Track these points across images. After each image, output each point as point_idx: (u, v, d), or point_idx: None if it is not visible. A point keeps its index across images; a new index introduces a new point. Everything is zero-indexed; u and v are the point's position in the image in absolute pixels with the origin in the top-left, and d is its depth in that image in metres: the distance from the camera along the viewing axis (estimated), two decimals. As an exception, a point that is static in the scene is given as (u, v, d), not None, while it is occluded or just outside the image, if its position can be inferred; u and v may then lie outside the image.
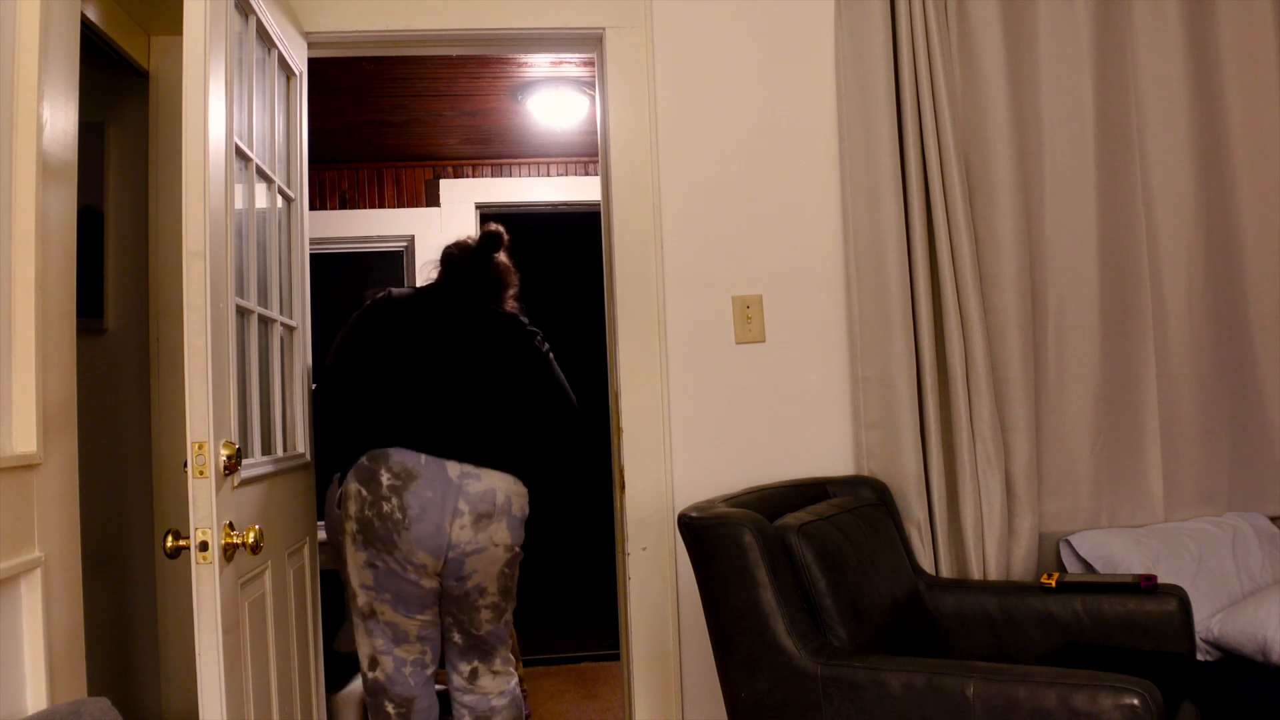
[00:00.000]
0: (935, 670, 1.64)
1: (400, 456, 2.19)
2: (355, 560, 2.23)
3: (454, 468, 2.20)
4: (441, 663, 2.45)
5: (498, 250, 2.54)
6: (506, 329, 2.44)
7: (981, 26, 2.50)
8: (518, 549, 2.34)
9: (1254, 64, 2.66)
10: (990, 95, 2.49)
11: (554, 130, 4.10)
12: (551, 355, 2.50)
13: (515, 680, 2.48)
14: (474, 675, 2.40)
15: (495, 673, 2.42)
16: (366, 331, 2.38)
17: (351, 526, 2.21)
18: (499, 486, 2.25)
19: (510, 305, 2.55)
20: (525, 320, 2.51)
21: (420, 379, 2.30)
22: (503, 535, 2.26)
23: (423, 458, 2.19)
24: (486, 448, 2.25)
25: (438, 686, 2.49)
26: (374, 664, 2.32)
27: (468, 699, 2.41)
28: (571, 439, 2.42)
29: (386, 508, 2.18)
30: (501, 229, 2.55)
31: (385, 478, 2.19)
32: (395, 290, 2.49)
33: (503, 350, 2.41)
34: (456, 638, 2.37)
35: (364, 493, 2.20)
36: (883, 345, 2.40)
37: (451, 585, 2.27)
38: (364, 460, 2.23)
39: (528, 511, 2.36)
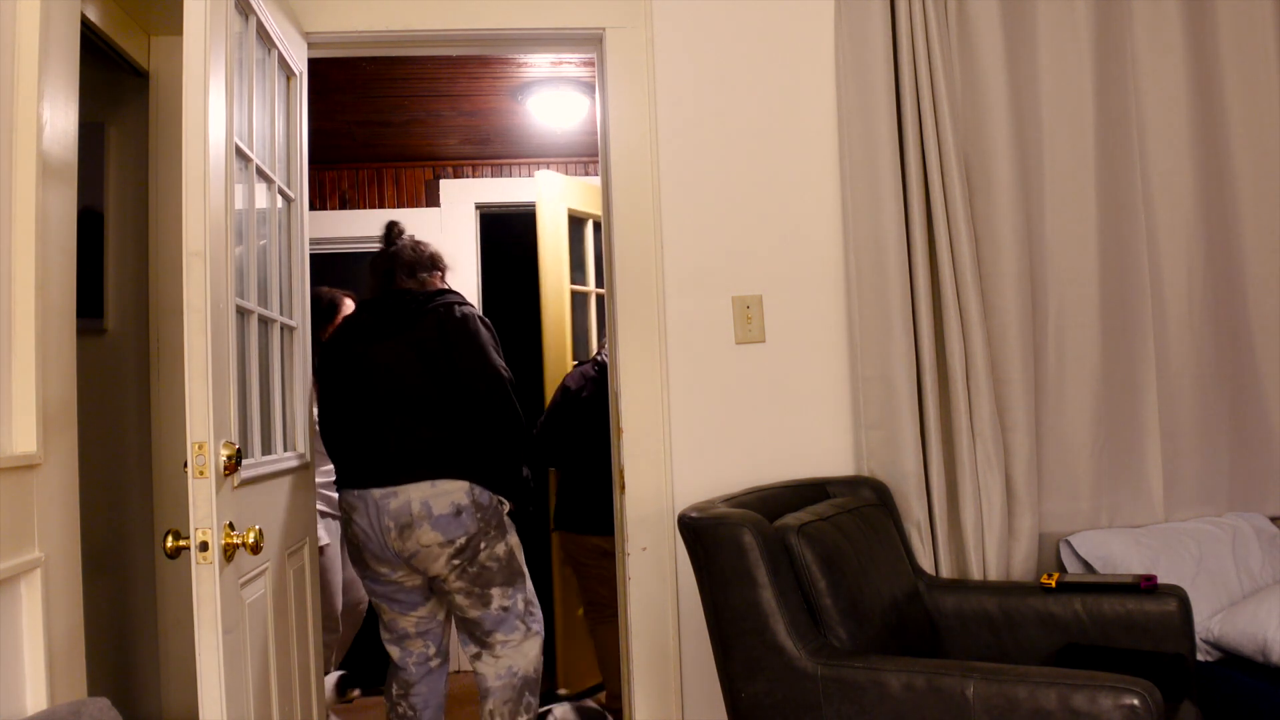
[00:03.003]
0: (935, 670, 1.64)
1: (344, 495, 2.59)
2: (358, 574, 2.69)
3: (376, 493, 2.51)
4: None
5: (394, 238, 2.76)
6: (407, 321, 2.59)
7: (981, 26, 2.50)
8: (460, 540, 2.50)
9: (1254, 64, 2.66)
10: (990, 95, 2.49)
11: (554, 130, 4.10)
12: (465, 319, 2.58)
13: (518, 664, 2.60)
14: (477, 656, 2.64)
15: (496, 657, 2.61)
16: (317, 379, 2.72)
17: (348, 550, 2.67)
18: (414, 497, 2.48)
19: (436, 281, 2.77)
20: (431, 297, 2.62)
21: (346, 420, 2.61)
22: (429, 536, 2.49)
23: (355, 492, 2.55)
24: (397, 467, 2.50)
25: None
26: (389, 651, 2.72)
27: (475, 676, 2.67)
28: (499, 410, 2.55)
29: (348, 534, 2.60)
30: (396, 220, 2.82)
31: (342, 513, 2.61)
32: (332, 333, 2.76)
33: (407, 350, 2.55)
34: (456, 623, 2.67)
35: (341, 525, 2.68)
36: (883, 345, 2.40)
37: (424, 575, 2.59)
38: (339, 500, 2.64)
39: (465, 502, 2.50)
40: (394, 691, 2.69)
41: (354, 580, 3.53)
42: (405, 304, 2.63)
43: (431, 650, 2.69)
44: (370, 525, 2.51)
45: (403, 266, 2.71)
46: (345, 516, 2.58)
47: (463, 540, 2.50)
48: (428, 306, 2.60)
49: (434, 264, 2.78)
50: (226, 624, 1.60)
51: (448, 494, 2.48)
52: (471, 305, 2.67)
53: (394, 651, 2.68)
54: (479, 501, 2.52)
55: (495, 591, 2.56)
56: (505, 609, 2.58)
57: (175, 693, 2.51)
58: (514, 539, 2.64)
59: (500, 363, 2.58)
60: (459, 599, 2.56)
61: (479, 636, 2.60)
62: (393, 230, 2.79)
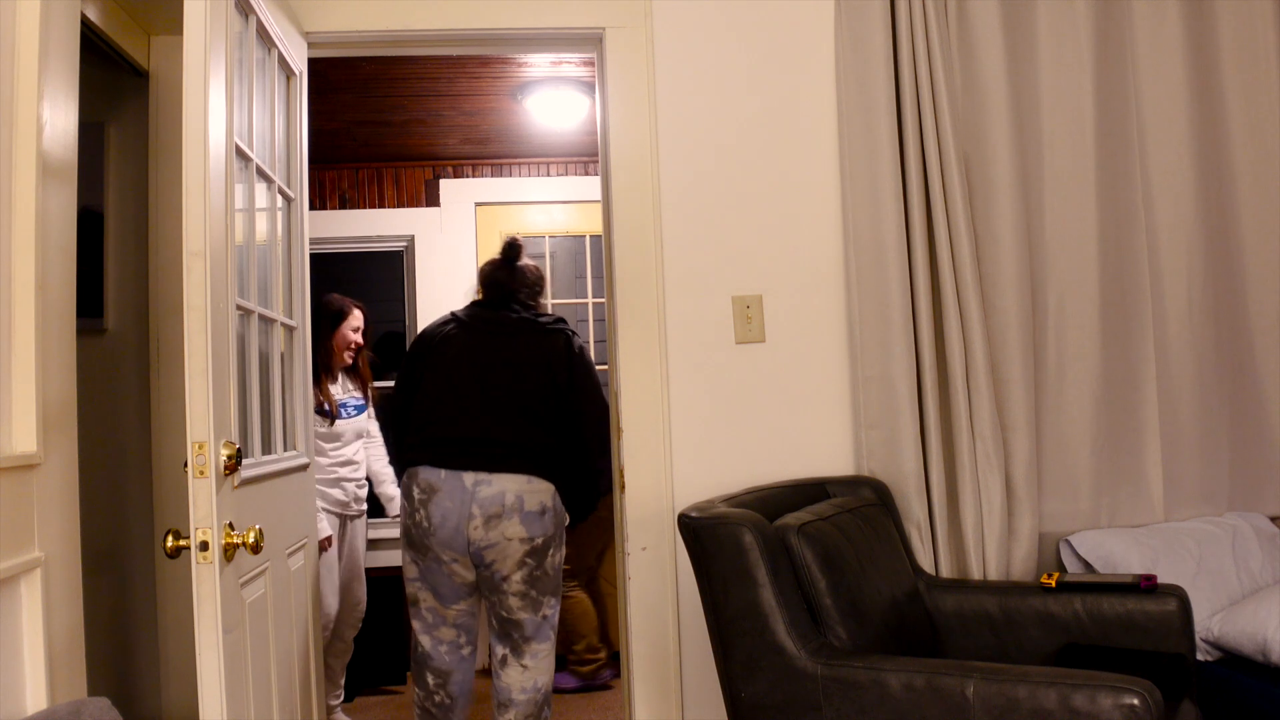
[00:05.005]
0: (935, 670, 1.64)
1: (425, 474, 2.55)
2: (405, 558, 2.65)
3: (469, 477, 2.51)
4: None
5: (518, 256, 2.84)
6: (532, 335, 2.69)
7: (981, 26, 2.50)
8: (538, 540, 2.54)
9: (1254, 64, 2.66)
10: (990, 95, 2.49)
11: (554, 130, 4.10)
12: (582, 351, 2.72)
13: (542, 679, 2.64)
14: (504, 661, 2.64)
15: (524, 667, 2.62)
16: (410, 361, 2.77)
17: (402, 531, 2.64)
18: (509, 488, 2.51)
19: (542, 304, 2.87)
20: (554, 323, 2.75)
21: (449, 404, 2.61)
22: (515, 530, 2.51)
23: (443, 473, 2.53)
24: (497, 455, 2.53)
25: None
26: (416, 641, 2.71)
27: (497, 683, 2.67)
28: (597, 434, 2.66)
29: (419, 517, 2.55)
30: (518, 237, 2.91)
31: (415, 493, 2.56)
32: (436, 321, 2.84)
33: (528, 357, 2.65)
34: (494, 620, 2.66)
35: (406, 505, 2.61)
36: (883, 345, 2.40)
37: (481, 573, 2.58)
38: (405, 478, 2.62)
39: (550, 505, 2.56)
40: (430, 681, 2.68)
41: (352, 580, 3.53)
42: (535, 315, 2.75)
43: (463, 639, 2.69)
44: (453, 509, 2.50)
45: (526, 285, 2.82)
46: (423, 497, 2.54)
47: (540, 540, 2.55)
48: (553, 328, 2.73)
49: (542, 288, 2.91)
50: (226, 624, 1.60)
51: (538, 493, 2.54)
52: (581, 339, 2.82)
53: (425, 640, 2.67)
54: (557, 508, 2.60)
55: (545, 600, 2.62)
56: (546, 619, 2.64)
57: (175, 693, 2.51)
58: (565, 552, 2.72)
59: (605, 400, 2.71)
60: (513, 600, 2.57)
61: (516, 640, 2.61)
62: (516, 246, 2.87)
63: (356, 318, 3.51)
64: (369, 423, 3.67)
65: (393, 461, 3.42)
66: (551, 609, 2.65)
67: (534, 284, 2.84)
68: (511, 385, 2.61)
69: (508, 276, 2.81)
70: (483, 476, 2.50)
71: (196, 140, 1.63)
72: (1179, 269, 2.60)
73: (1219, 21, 2.66)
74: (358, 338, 3.52)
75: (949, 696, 1.60)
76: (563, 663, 3.82)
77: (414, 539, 2.58)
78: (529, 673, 2.61)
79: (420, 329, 2.88)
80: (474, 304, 2.83)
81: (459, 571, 2.58)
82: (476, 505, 2.49)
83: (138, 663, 2.51)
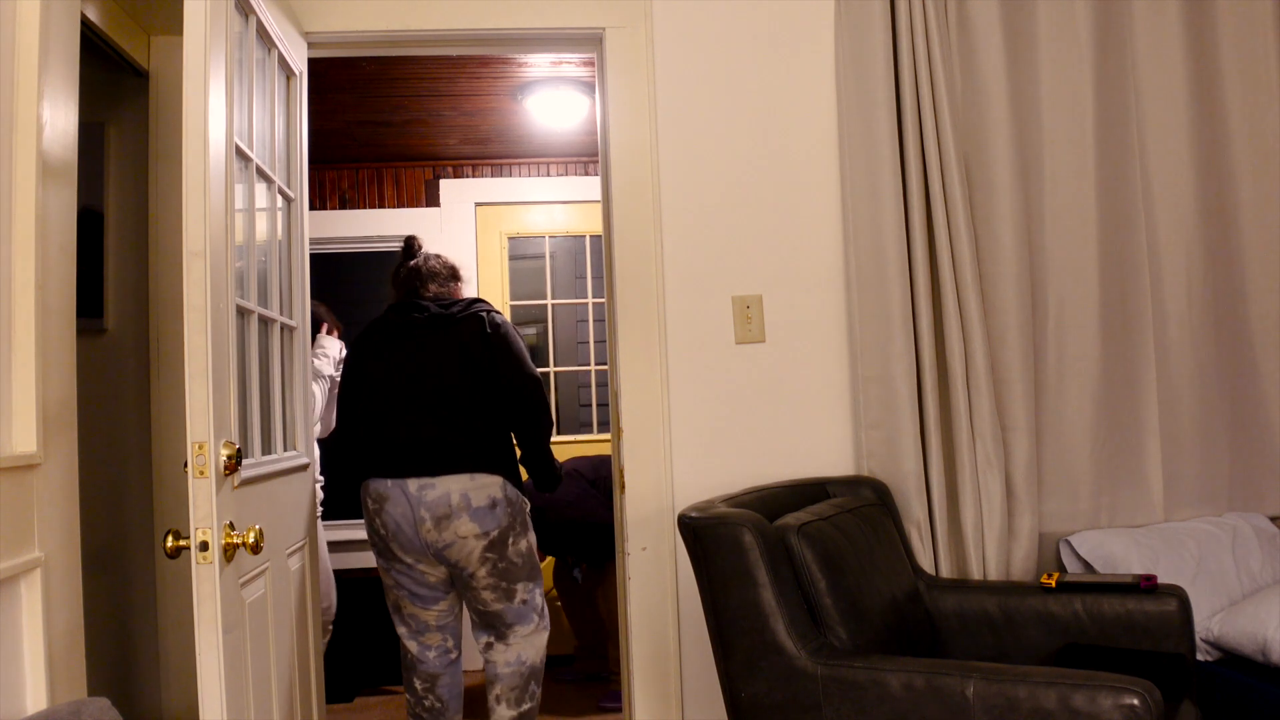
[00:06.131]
0: (935, 670, 1.64)
1: (375, 485, 2.62)
2: (379, 566, 2.72)
3: (413, 483, 2.57)
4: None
5: (414, 252, 2.90)
6: (444, 328, 2.69)
7: (981, 26, 2.50)
8: (493, 533, 2.59)
9: (1254, 64, 2.66)
10: (990, 95, 2.49)
11: (554, 130, 4.10)
12: (499, 327, 2.71)
13: (527, 654, 2.70)
14: (489, 647, 2.72)
15: (508, 645, 2.69)
16: (346, 375, 2.82)
17: (370, 542, 2.70)
18: (453, 488, 2.56)
19: (459, 290, 2.90)
20: (466, 308, 2.74)
21: (380, 413, 2.67)
22: (467, 527, 2.56)
23: (389, 482, 2.59)
24: (437, 459, 2.58)
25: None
26: (404, 647, 2.77)
27: (485, 665, 2.74)
28: (530, 403, 2.70)
29: (376, 524, 2.63)
30: (414, 235, 2.98)
31: (370, 503, 2.64)
32: (359, 334, 2.85)
33: (446, 351, 2.66)
34: (472, 615, 2.73)
35: (365, 516, 2.68)
36: (883, 345, 2.40)
37: (451, 571, 2.65)
38: (361, 491, 2.69)
39: (500, 496, 2.60)
40: (418, 686, 2.74)
41: (323, 584, 3.49)
42: (444, 308, 2.74)
43: (450, 643, 2.76)
44: (404, 515, 2.56)
45: (429, 277, 2.84)
46: (375, 506, 2.62)
47: (495, 533, 2.59)
48: (467, 312, 2.73)
49: (454, 275, 2.91)
50: (226, 624, 1.60)
51: (485, 487, 2.57)
52: (501, 314, 2.80)
53: (412, 646, 2.73)
54: (510, 497, 2.63)
55: (519, 586, 2.66)
56: (525, 602, 2.69)
57: (175, 693, 2.51)
58: (533, 536, 2.74)
59: (533, 368, 2.74)
60: (485, 594, 2.63)
61: (499, 629, 2.68)
62: (413, 244, 2.93)
63: (330, 344, 3.51)
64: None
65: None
66: (530, 593, 2.69)
67: (436, 272, 2.84)
68: (436, 383, 2.63)
69: (409, 273, 2.84)
70: (425, 481, 2.56)
71: (196, 140, 1.63)
72: (1179, 269, 2.60)
73: (1219, 21, 2.66)
74: (330, 369, 3.52)
75: (949, 696, 1.60)
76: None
77: (379, 547, 2.67)
78: (512, 649, 2.69)
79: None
80: (387, 309, 2.84)
81: (428, 570, 2.65)
82: (424, 509, 2.55)
83: (138, 663, 2.51)
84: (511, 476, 2.64)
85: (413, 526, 2.56)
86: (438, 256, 2.90)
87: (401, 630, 2.75)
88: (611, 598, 3.81)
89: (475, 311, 2.73)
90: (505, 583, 2.64)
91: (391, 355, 2.69)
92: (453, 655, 2.77)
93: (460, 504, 2.55)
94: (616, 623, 3.82)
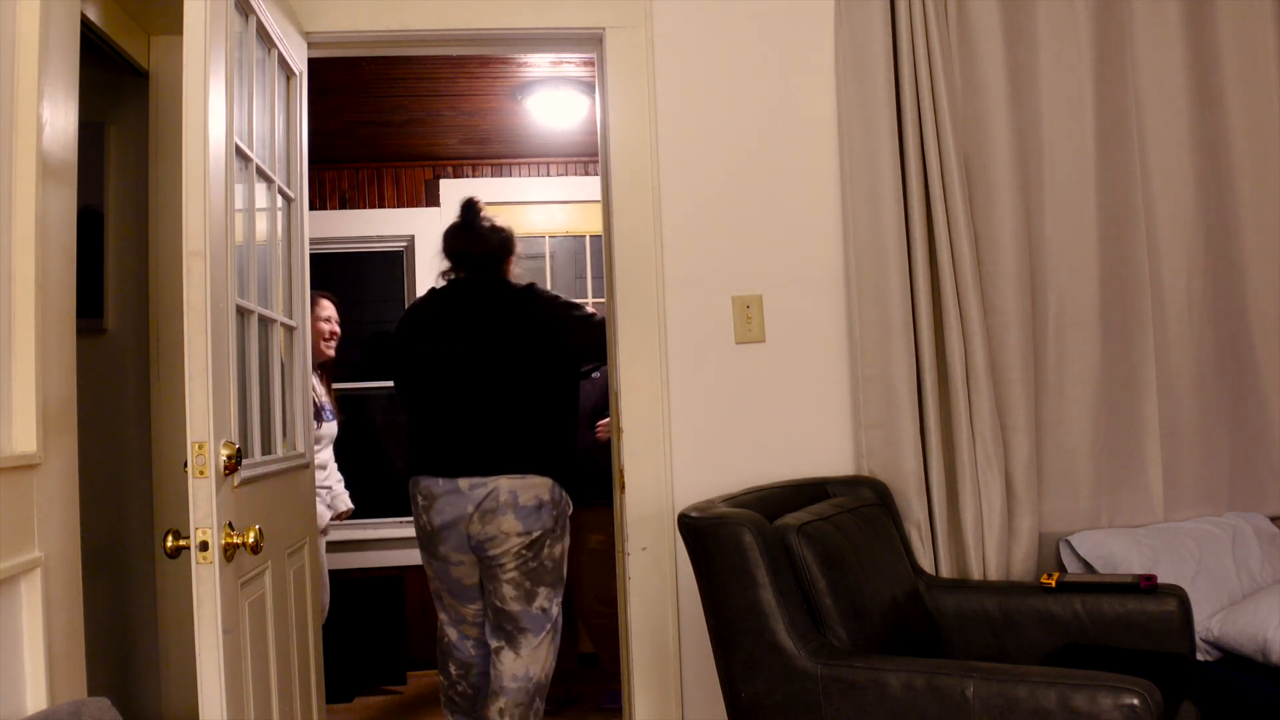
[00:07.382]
0: (935, 670, 1.64)
1: (425, 483, 2.66)
2: (423, 558, 2.76)
3: (464, 482, 2.60)
4: None
5: (477, 216, 2.79)
6: (499, 312, 2.68)
7: (981, 26, 2.50)
8: (535, 533, 2.60)
9: (1254, 64, 2.66)
10: (990, 95, 2.49)
11: (554, 130, 4.10)
12: (542, 298, 2.71)
13: (535, 669, 2.66)
14: (499, 652, 2.68)
15: (518, 656, 2.66)
16: (398, 368, 2.80)
17: (416, 533, 2.75)
18: (502, 486, 2.58)
19: (510, 267, 2.81)
20: (517, 294, 2.72)
21: (433, 412, 2.69)
22: (510, 524, 2.58)
23: (440, 480, 2.62)
24: (489, 459, 2.60)
25: None
26: (442, 632, 2.82)
27: (492, 672, 2.71)
28: (582, 341, 2.68)
29: (423, 521, 2.68)
30: (474, 198, 2.84)
31: (419, 500, 2.68)
32: (405, 319, 2.83)
33: (501, 340, 2.64)
34: (489, 613, 2.71)
35: (413, 510, 2.72)
36: (882, 345, 2.40)
37: (482, 559, 2.65)
38: (410, 485, 2.73)
39: (547, 498, 2.61)
40: (453, 671, 2.79)
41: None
42: (500, 290, 2.73)
43: (485, 636, 2.77)
44: (451, 510, 2.59)
45: (491, 251, 2.75)
46: (425, 503, 2.64)
47: (538, 533, 2.61)
48: (516, 299, 2.71)
49: (511, 248, 2.80)
50: (226, 624, 1.60)
51: (533, 488, 2.60)
52: (546, 290, 2.78)
53: (451, 633, 2.78)
54: (555, 499, 2.64)
55: (541, 590, 2.65)
56: (544, 610, 2.67)
57: (175, 693, 2.51)
58: (567, 541, 2.74)
59: (585, 311, 2.74)
60: (508, 589, 2.63)
61: (510, 630, 2.65)
62: (475, 208, 2.80)
63: (324, 307, 3.38)
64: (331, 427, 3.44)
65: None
66: (550, 601, 2.67)
67: (499, 247, 2.77)
68: (488, 380, 2.63)
69: (471, 244, 2.76)
70: (477, 480, 2.59)
71: (196, 140, 1.63)
72: (1179, 269, 2.60)
73: (1219, 21, 2.66)
74: (332, 326, 3.40)
75: (949, 696, 1.60)
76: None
77: (423, 541, 2.71)
78: (521, 661, 2.64)
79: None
80: (433, 292, 2.79)
81: (466, 574, 2.69)
82: (472, 505, 2.58)
83: (138, 663, 2.51)
84: (562, 478, 2.65)
85: (459, 522, 2.59)
86: (498, 229, 2.78)
87: (442, 617, 2.79)
88: (587, 565, 3.66)
89: (525, 293, 2.73)
90: (529, 583, 2.63)
91: (444, 348, 2.68)
92: (488, 647, 2.76)
93: (508, 501, 2.57)
94: (591, 596, 3.76)
